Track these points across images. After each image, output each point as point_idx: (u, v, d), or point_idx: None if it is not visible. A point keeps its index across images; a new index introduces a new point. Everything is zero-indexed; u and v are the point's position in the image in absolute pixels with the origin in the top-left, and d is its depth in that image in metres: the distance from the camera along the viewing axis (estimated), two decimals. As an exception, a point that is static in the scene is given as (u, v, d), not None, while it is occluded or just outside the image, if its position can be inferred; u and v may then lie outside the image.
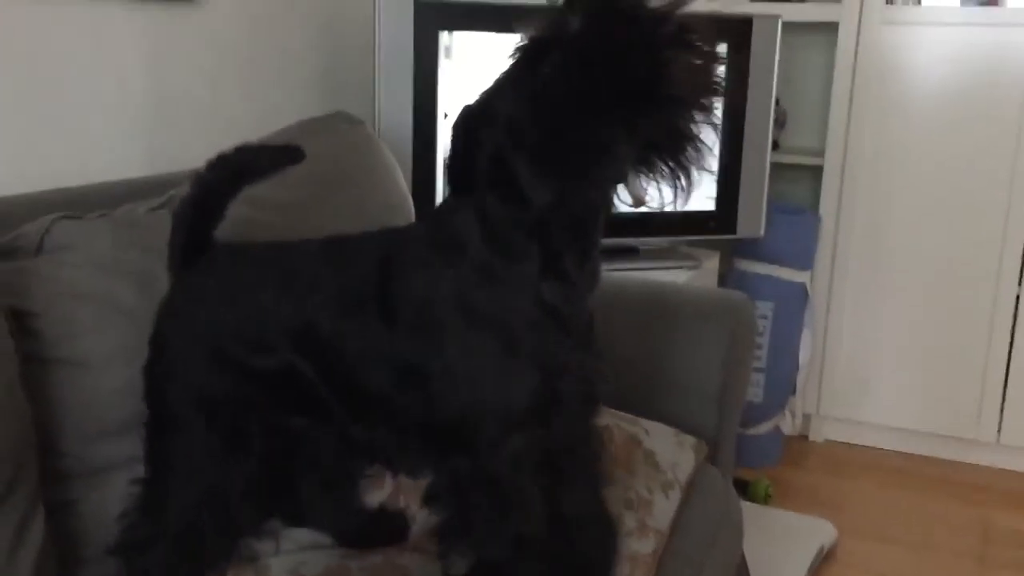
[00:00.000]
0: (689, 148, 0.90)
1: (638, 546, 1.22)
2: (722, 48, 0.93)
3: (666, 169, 0.91)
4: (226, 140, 1.67)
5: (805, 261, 2.66)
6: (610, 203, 0.98)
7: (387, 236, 1.07)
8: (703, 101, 0.89)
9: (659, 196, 0.93)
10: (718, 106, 0.92)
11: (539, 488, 1.03)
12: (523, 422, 0.98)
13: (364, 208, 1.53)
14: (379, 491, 1.28)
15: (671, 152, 0.90)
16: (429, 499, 1.01)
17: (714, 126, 0.91)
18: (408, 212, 1.67)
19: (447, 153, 1.00)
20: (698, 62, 0.89)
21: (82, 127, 1.47)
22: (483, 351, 0.96)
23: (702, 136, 0.91)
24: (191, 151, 1.67)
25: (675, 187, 0.92)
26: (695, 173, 0.92)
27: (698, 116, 0.89)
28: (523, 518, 1.00)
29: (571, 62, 0.88)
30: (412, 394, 0.99)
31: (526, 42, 0.94)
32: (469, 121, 0.97)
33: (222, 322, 1.06)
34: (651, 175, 0.92)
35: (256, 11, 1.82)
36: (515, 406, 0.97)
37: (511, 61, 0.95)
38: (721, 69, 0.92)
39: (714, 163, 0.82)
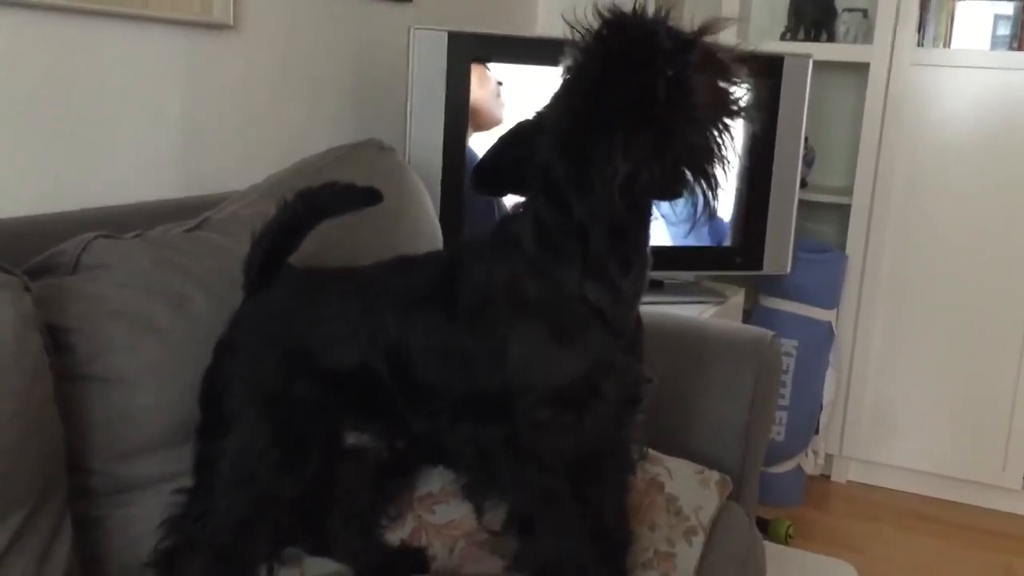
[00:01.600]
0: (707, 165, 0.91)
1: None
2: (748, 78, 0.92)
3: (690, 184, 0.92)
4: (258, 165, 1.71)
5: (831, 300, 2.64)
6: (647, 215, 1.02)
7: (451, 249, 1.16)
8: (721, 120, 0.90)
9: (681, 211, 0.95)
10: (738, 127, 0.92)
11: (571, 484, 1.07)
12: (555, 400, 1.02)
13: (393, 235, 1.54)
14: (401, 529, 1.28)
15: (692, 167, 0.91)
16: (467, 492, 1.07)
17: (730, 145, 0.91)
18: (436, 240, 1.68)
19: (486, 155, 1.04)
20: (719, 83, 0.91)
21: (118, 148, 1.50)
22: (530, 336, 1.02)
23: (722, 153, 0.91)
24: (224, 175, 1.69)
25: (696, 204, 0.93)
26: (717, 191, 0.92)
27: (716, 134, 0.90)
28: (541, 473, 1.04)
29: (593, 78, 0.91)
30: (462, 380, 1.05)
31: (575, 60, 0.96)
32: (522, 129, 1.01)
33: (299, 327, 1.11)
34: (681, 191, 0.93)
35: (292, 38, 1.85)
36: (553, 387, 1.02)
37: (564, 78, 0.98)
38: (743, 92, 0.92)
39: (730, 186, 0.82)
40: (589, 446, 1.11)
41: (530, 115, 1.02)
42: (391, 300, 1.09)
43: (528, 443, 1.03)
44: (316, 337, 1.10)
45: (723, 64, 0.91)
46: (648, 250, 1.04)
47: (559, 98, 0.96)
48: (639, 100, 0.87)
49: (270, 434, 1.07)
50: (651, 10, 0.93)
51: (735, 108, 0.91)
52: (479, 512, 1.08)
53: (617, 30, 0.91)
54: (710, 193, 0.91)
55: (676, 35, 0.90)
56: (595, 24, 0.93)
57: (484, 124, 2.00)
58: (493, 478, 1.05)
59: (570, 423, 1.04)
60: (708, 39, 0.91)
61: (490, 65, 1.97)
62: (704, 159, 0.90)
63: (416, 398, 1.08)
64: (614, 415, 1.09)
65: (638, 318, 1.10)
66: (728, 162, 0.91)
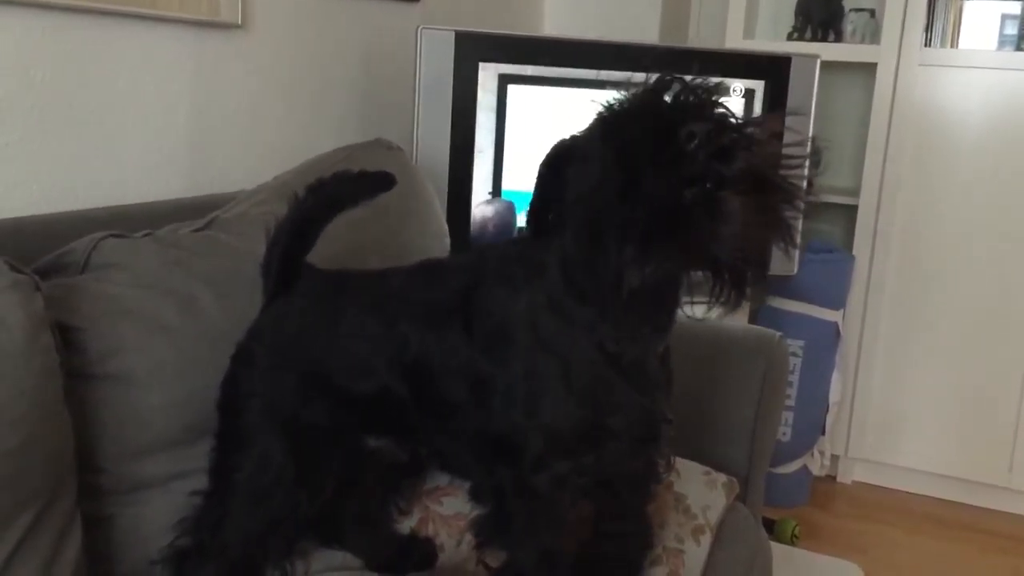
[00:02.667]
0: (733, 280, 0.83)
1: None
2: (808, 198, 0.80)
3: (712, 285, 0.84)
4: (266, 165, 1.71)
5: (838, 300, 2.64)
6: (677, 286, 0.92)
7: (476, 255, 1.10)
8: (761, 243, 0.81)
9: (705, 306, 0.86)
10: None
11: (586, 510, 1.06)
12: (571, 449, 1.00)
13: (401, 235, 1.54)
14: (409, 518, 1.29)
15: (716, 277, 0.83)
16: (474, 494, 1.05)
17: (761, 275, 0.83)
18: (444, 240, 1.68)
19: (532, 194, 0.97)
20: (767, 203, 0.79)
21: (127, 148, 1.50)
22: (543, 375, 0.99)
23: (755, 272, 0.82)
24: (232, 174, 1.70)
25: (715, 301, 0.85)
26: (742, 295, 0.84)
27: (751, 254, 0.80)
28: (553, 534, 1.02)
29: (610, 168, 0.80)
30: (479, 404, 1.01)
31: (612, 109, 0.85)
32: (558, 159, 0.94)
33: (318, 347, 1.07)
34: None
35: (300, 38, 1.85)
36: (560, 431, 0.99)
37: (598, 116, 0.87)
38: (796, 215, 0.80)
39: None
40: (605, 476, 1.09)
41: (565, 138, 0.94)
42: (412, 314, 1.05)
43: (545, 499, 1.00)
44: (336, 359, 1.07)
45: (774, 184, 0.78)
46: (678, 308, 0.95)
47: (591, 142, 0.86)
48: (661, 203, 0.76)
49: (286, 453, 1.05)
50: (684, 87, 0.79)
51: (782, 232, 0.80)
52: (479, 547, 1.05)
53: (634, 118, 0.80)
54: (733, 294, 0.83)
55: (712, 134, 0.75)
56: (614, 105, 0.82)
57: None
58: (504, 522, 1.02)
59: (588, 464, 1.02)
60: (759, 141, 0.77)
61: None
62: (732, 277, 0.82)
63: (437, 417, 1.06)
64: (629, 452, 1.06)
65: (664, 353, 1.04)
66: (762, 275, 0.82)
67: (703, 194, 0.75)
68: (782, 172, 0.80)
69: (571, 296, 0.96)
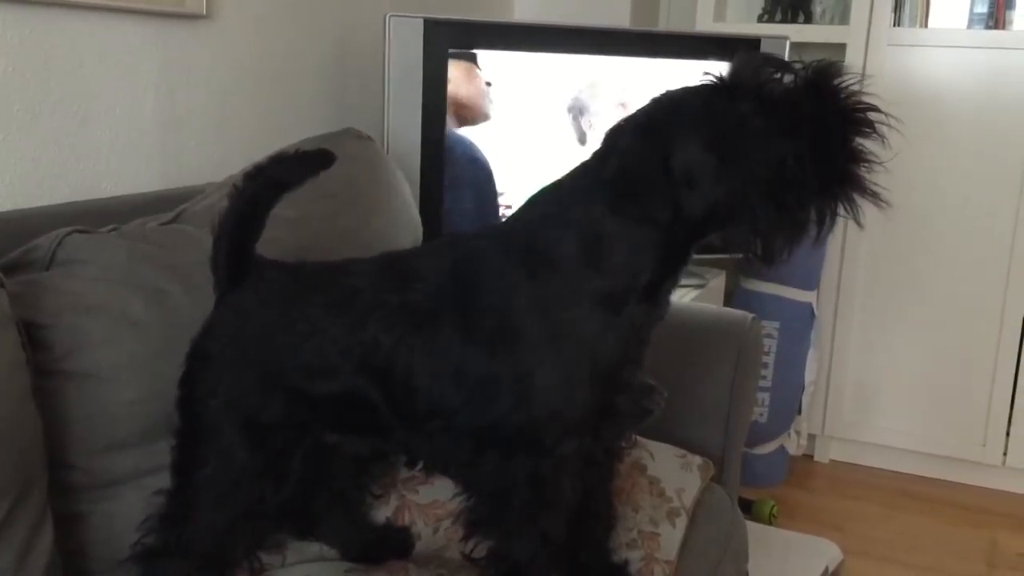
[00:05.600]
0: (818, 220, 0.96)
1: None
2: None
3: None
4: (236, 157, 1.70)
5: (811, 281, 2.66)
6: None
7: (446, 249, 1.07)
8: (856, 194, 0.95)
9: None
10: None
11: (579, 488, 1.06)
12: (580, 430, 1.01)
13: (372, 224, 1.54)
14: (385, 507, 1.29)
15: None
16: (466, 485, 1.04)
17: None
18: (416, 230, 1.68)
19: (616, 163, 0.98)
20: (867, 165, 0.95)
21: (93, 142, 1.49)
22: (561, 364, 0.98)
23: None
24: (201, 167, 1.68)
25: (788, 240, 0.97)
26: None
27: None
28: (554, 517, 1.02)
29: (769, 123, 0.92)
30: (479, 403, 1.00)
31: (719, 79, 0.96)
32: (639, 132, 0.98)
33: (277, 346, 1.05)
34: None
35: (268, 27, 1.84)
36: (579, 415, 1.00)
37: (695, 86, 0.97)
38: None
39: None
40: (597, 451, 1.11)
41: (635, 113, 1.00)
42: (386, 317, 1.01)
43: (552, 482, 1.00)
44: (298, 359, 1.03)
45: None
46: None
47: (688, 110, 0.96)
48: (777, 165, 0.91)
49: (249, 450, 1.03)
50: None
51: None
52: (466, 538, 1.04)
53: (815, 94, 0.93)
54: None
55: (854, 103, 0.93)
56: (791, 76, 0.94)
57: (472, 119, 2.00)
58: (500, 511, 1.01)
59: (588, 442, 1.04)
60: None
61: (480, 64, 1.96)
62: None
63: (418, 419, 1.03)
64: (625, 428, 1.10)
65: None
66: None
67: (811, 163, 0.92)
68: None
69: (599, 275, 0.98)
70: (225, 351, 1.06)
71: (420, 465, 1.11)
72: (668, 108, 0.98)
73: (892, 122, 0.96)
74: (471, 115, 1.99)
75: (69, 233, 1.16)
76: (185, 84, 1.66)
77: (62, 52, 1.41)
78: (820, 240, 0.96)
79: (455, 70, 1.93)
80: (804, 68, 0.94)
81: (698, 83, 0.97)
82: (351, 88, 2.10)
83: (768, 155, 0.91)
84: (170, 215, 1.30)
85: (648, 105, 0.99)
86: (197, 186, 1.50)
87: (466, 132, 1.98)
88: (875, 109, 0.95)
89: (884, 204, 0.94)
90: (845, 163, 0.93)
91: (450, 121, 1.95)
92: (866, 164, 0.95)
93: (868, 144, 0.95)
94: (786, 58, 2.16)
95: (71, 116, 1.44)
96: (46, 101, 1.40)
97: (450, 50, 1.91)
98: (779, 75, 0.94)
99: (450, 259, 1.04)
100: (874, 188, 0.95)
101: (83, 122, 1.46)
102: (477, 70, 1.96)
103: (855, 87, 0.95)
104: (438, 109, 1.91)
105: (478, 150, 2.01)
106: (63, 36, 1.41)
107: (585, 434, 1.02)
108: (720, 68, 0.96)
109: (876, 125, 0.95)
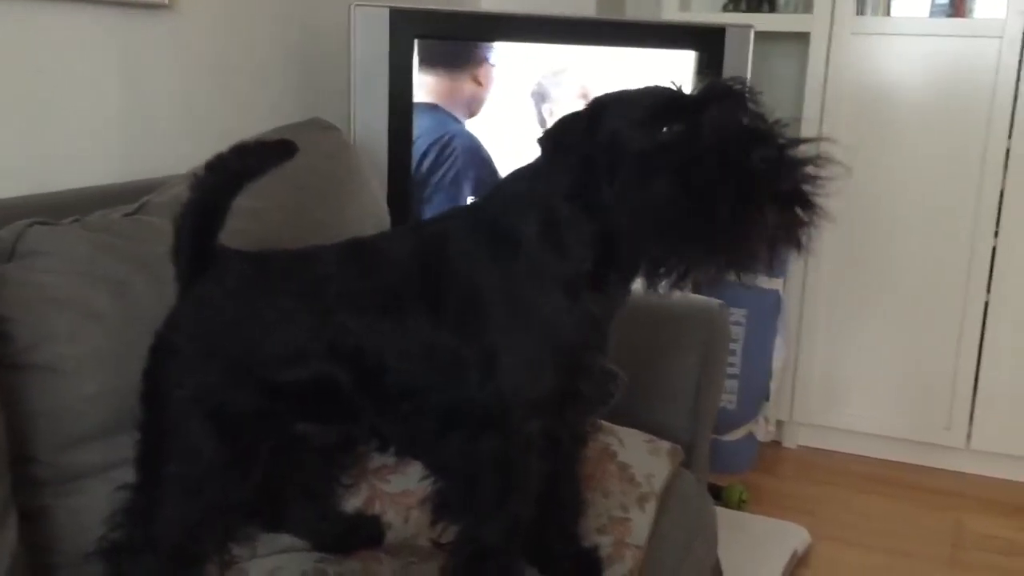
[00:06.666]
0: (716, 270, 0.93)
1: (618, 567, 1.22)
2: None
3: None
4: (200, 148, 1.67)
5: (778, 268, 2.68)
6: None
7: (416, 233, 1.08)
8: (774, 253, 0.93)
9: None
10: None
11: (544, 470, 1.07)
12: (544, 411, 1.02)
13: (340, 214, 1.53)
14: (355, 497, 1.28)
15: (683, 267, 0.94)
16: (435, 469, 1.05)
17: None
18: (384, 218, 1.67)
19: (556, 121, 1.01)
20: (801, 221, 0.92)
21: (54, 134, 1.46)
22: (525, 343, 1.00)
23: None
24: (164, 158, 1.66)
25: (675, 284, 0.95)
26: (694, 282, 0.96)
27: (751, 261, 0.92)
28: (522, 500, 1.03)
29: (702, 149, 0.90)
30: (449, 382, 1.01)
31: (671, 92, 0.96)
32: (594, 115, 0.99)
33: (245, 336, 1.04)
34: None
35: (230, 16, 1.82)
36: (543, 397, 1.01)
37: (650, 87, 0.98)
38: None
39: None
40: (563, 433, 1.12)
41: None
42: (355, 302, 1.03)
43: (518, 464, 1.02)
44: (265, 347, 1.04)
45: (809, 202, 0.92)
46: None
47: (631, 117, 0.96)
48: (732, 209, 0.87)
49: (216, 443, 1.03)
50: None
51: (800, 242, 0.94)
52: (434, 523, 1.05)
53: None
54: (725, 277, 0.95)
55: (777, 160, 0.89)
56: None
57: (476, 111, 2.00)
58: (467, 494, 1.02)
59: (553, 425, 1.05)
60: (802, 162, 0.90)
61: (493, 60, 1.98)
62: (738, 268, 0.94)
63: (389, 403, 1.04)
64: (588, 412, 1.12)
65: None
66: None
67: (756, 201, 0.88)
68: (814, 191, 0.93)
69: (558, 258, 0.99)
70: (191, 343, 1.05)
71: (391, 450, 1.11)
72: (617, 94, 1.00)
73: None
74: (476, 108, 2.00)
75: (30, 225, 1.15)
76: (148, 75, 1.64)
77: (21, 43, 1.39)
78: (774, 268, 0.97)
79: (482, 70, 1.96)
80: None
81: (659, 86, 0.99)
82: (317, 78, 2.09)
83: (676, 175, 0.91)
84: (133, 206, 1.29)
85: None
86: (161, 178, 1.49)
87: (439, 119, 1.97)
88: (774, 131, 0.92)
89: (816, 223, 0.94)
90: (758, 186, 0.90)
91: (459, 114, 1.97)
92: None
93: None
94: (751, 47, 2.18)
95: (32, 108, 1.42)
96: (7, 94, 1.38)
97: (416, 40, 1.90)
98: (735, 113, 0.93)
99: (417, 242, 1.06)
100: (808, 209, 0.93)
101: (44, 114, 1.44)
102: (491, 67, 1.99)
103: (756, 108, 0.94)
104: (405, 98, 1.90)
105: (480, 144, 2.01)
106: (23, 27, 1.39)
107: (548, 416, 1.03)
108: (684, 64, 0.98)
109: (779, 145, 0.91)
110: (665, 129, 0.93)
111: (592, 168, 0.96)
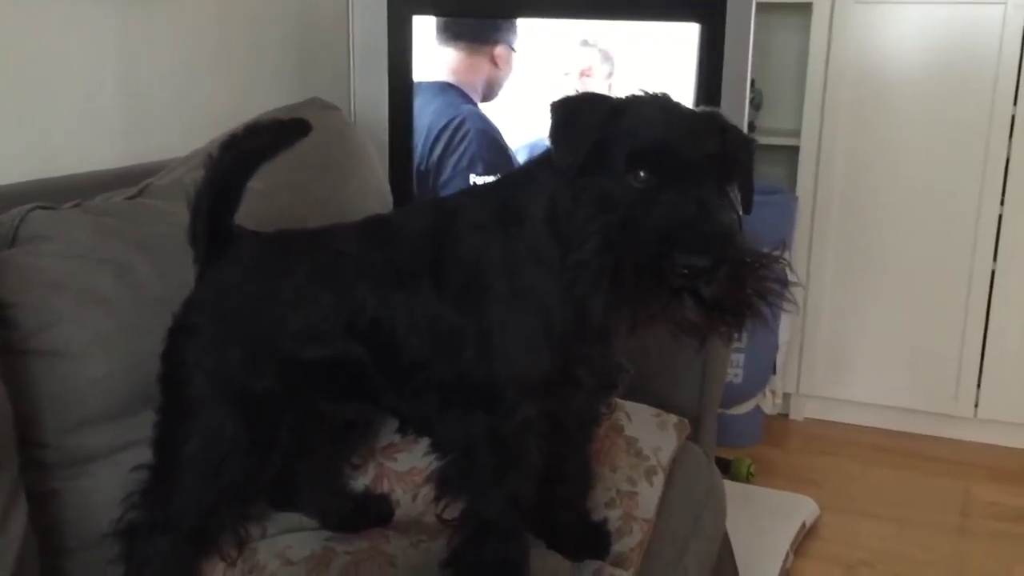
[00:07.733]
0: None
1: (626, 540, 1.23)
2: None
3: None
4: (201, 130, 1.67)
5: (784, 242, 2.67)
6: None
7: (432, 208, 1.08)
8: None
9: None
10: None
11: (545, 450, 1.06)
12: (539, 394, 1.01)
13: (342, 194, 1.53)
14: (364, 476, 1.29)
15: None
16: (435, 445, 1.04)
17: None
18: (386, 197, 1.67)
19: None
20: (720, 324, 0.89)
21: (54, 118, 1.46)
22: (520, 323, 0.99)
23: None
24: (165, 141, 1.66)
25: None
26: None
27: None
28: (520, 478, 1.03)
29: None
30: (450, 359, 1.01)
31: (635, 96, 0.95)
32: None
33: (265, 316, 1.05)
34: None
35: (228, -1, 1.81)
36: (535, 379, 1.00)
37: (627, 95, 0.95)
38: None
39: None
40: (568, 418, 1.11)
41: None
42: (372, 278, 1.03)
43: (514, 443, 1.01)
44: (286, 326, 1.04)
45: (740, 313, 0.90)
46: None
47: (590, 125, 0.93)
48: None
49: (237, 424, 1.03)
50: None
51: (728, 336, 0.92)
52: (438, 499, 1.05)
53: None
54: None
55: (703, 272, 0.84)
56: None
57: (492, 95, 1.99)
58: (468, 471, 1.02)
59: (553, 410, 1.05)
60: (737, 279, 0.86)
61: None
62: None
63: (402, 378, 1.04)
64: (590, 399, 1.11)
65: None
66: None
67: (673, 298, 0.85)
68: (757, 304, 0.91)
69: (555, 241, 0.97)
70: (211, 325, 1.06)
71: (410, 430, 1.12)
72: (647, 103, 0.96)
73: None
74: (495, 92, 1.98)
75: (32, 209, 1.15)
76: (147, 57, 1.63)
77: (22, 30, 1.38)
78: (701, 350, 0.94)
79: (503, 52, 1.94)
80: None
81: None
82: (316, 57, 2.08)
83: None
84: (135, 190, 1.28)
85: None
86: (162, 161, 1.48)
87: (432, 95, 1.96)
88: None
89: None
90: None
91: (473, 94, 1.95)
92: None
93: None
94: (752, 18, 2.16)
95: (32, 93, 1.42)
96: (7, 79, 1.37)
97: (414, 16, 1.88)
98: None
99: (431, 216, 1.06)
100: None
101: (44, 99, 1.44)
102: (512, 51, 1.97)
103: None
104: (404, 76, 1.89)
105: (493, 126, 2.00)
106: (22, 14, 1.38)
107: (542, 398, 1.02)
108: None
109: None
110: (641, 175, 0.89)
111: (594, 157, 0.93)
